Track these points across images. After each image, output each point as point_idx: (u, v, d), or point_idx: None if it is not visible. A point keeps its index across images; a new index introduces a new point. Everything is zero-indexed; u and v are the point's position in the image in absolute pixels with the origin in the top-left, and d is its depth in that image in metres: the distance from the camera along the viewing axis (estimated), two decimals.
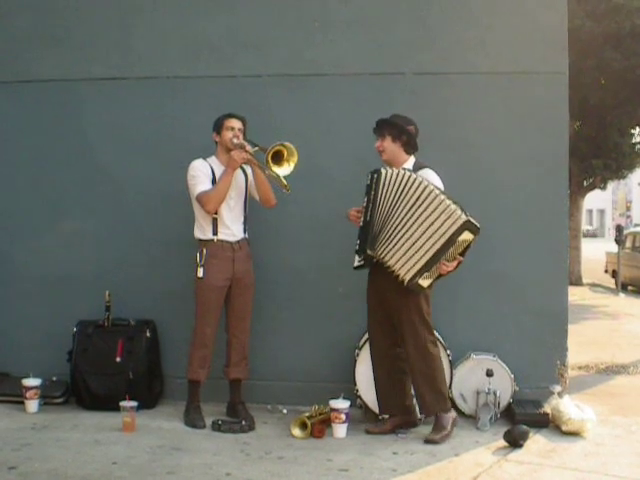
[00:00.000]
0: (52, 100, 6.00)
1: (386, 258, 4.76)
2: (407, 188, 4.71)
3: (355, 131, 5.72)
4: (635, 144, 18.26)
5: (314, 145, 5.70)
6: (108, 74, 5.93)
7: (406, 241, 4.70)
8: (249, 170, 5.34)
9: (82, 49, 5.97)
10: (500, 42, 5.65)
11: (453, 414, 4.93)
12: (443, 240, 4.62)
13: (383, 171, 4.79)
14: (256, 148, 5.19)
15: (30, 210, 6.03)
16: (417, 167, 4.93)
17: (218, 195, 5.11)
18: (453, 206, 4.61)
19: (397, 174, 4.76)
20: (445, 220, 4.61)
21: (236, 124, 5.24)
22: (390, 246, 4.74)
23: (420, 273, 4.69)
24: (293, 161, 4.96)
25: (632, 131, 18.02)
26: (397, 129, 4.93)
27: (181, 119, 5.84)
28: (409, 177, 4.72)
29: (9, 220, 6.06)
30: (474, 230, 4.63)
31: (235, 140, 5.18)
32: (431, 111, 5.62)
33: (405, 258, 4.71)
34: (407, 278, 4.72)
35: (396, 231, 4.73)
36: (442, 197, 4.64)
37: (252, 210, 5.40)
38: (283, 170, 4.96)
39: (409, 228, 4.70)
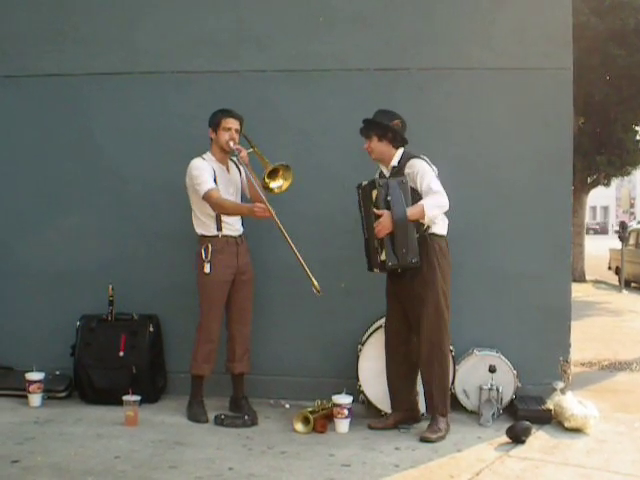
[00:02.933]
0: (55, 95, 6.00)
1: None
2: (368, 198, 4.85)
3: (358, 127, 5.69)
4: (639, 141, 18.22)
5: (317, 140, 5.71)
6: (112, 69, 5.93)
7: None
8: (243, 168, 5.33)
9: (86, 44, 5.97)
10: (505, 38, 5.64)
11: (447, 419, 4.93)
12: (370, 212, 4.80)
13: (362, 185, 4.93)
14: (251, 150, 5.19)
15: (33, 205, 6.04)
16: (405, 159, 4.93)
17: (226, 211, 5.14)
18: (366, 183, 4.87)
19: (364, 187, 4.89)
20: (366, 197, 4.84)
21: (233, 124, 5.20)
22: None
23: (378, 253, 4.78)
24: (287, 180, 4.97)
25: (636, 127, 17.97)
26: (381, 128, 4.94)
27: (184, 114, 5.83)
28: (371, 185, 4.82)
29: (13, 215, 6.06)
30: (374, 185, 4.74)
31: (231, 144, 5.14)
32: (435, 106, 5.62)
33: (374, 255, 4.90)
34: (378, 267, 4.87)
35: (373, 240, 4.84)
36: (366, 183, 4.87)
37: None
38: (275, 183, 4.96)
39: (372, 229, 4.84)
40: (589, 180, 18.51)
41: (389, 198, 4.68)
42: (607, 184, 19.29)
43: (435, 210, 4.78)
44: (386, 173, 5.00)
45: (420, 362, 4.92)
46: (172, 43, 5.90)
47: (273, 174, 4.96)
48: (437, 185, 4.80)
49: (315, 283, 4.91)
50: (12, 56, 6.06)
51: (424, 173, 4.81)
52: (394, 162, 4.95)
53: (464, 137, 5.61)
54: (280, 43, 5.81)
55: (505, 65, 5.63)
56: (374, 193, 4.74)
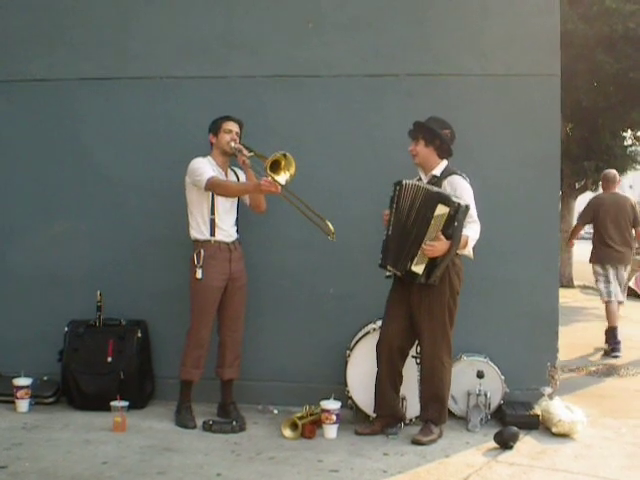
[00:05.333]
0: (45, 100, 5.98)
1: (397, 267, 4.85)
2: (417, 199, 4.76)
3: (348, 132, 5.73)
4: (627, 147, 18.30)
5: (307, 146, 5.70)
6: (102, 74, 5.92)
7: (409, 242, 4.77)
8: (242, 175, 5.35)
9: (76, 49, 5.96)
10: (494, 45, 5.66)
11: (441, 427, 4.95)
12: (422, 221, 4.69)
13: (403, 183, 4.83)
14: (251, 154, 5.19)
15: (23, 209, 6.01)
16: (446, 173, 4.93)
17: (232, 192, 5.20)
18: (429, 188, 4.72)
19: (411, 187, 4.80)
20: (422, 202, 4.71)
21: (234, 127, 5.25)
22: (402, 255, 4.80)
23: (411, 260, 4.73)
24: (290, 171, 4.88)
25: (624, 134, 18.05)
26: (431, 133, 4.92)
27: (174, 119, 5.83)
28: (420, 188, 4.77)
29: (2, 219, 6.03)
30: (446, 202, 4.63)
31: (233, 144, 5.18)
32: (425, 113, 5.58)
33: (404, 255, 4.79)
34: (401, 270, 4.78)
35: (409, 245, 4.77)
36: (429, 189, 4.73)
37: (244, 211, 5.41)
38: (279, 178, 4.88)
39: (412, 232, 4.76)
40: (577, 186, 18.56)
41: (456, 224, 4.66)
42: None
43: (473, 243, 4.87)
44: (424, 179, 4.99)
45: (421, 373, 4.96)
46: (163, 48, 5.90)
47: (275, 168, 4.85)
48: (475, 213, 4.84)
49: (330, 226, 4.92)
50: (1, 61, 6.03)
51: (467, 197, 4.83)
52: (436, 172, 4.94)
53: (453, 144, 5.63)
54: (270, 49, 5.81)
55: (493, 71, 5.65)
56: (441, 208, 4.63)
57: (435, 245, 4.66)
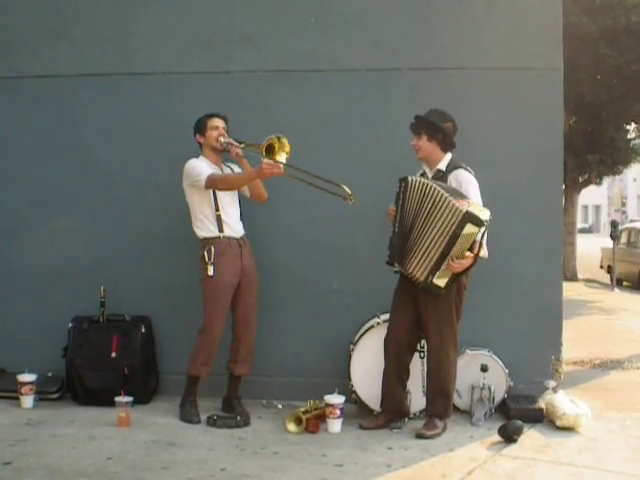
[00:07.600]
0: (48, 96, 5.98)
1: (409, 269, 4.79)
2: (425, 198, 4.70)
3: (351, 127, 5.72)
4: (630, 139, 18.28)
5: (310, 141, 5.70)
6: (104, 70, 5.91)
7: (422, 247, 4.71)
8: (236, 168, 5.33)
9: (78, 45, 5.95)
10: (496, 38, 5.65)
11: (445, 421, 4.95)
12: (448, 237, 4.61)
13: (409, 180, 4.78)
14: (242, 145, 5.18)
15: (25, 206, 6.01)
16: (452, 167, 4.90)
17: (235, 184, 5.18)
18: (455, 202, 4.58)
19: (418, 184, 4.74)
20: (449, 217, 4.59)
21: (219, 123, 5.23)
22: (413, 258, 4.76)
23: (432, 272, 4.68)
24: (285, 150, 4.85)
25: (627, 126, 18.03)
26: (433, 127, 4.88)
27: (176, 115, 5.82)
28: (428, 187, 4.70)
29: (4, 216, 6.04)
30: (477, 222, 4.56)
31: (222, 139, 5.17)
32: (428, 106, 5.58)
33: (419, 261, 4.72)
34: (421, 279, 4.73)
35: (417, 243, 4.74)
36: (446, 195, 4.62)
37: (246, 207, 5.40)
38: (279, 159, 4.83)
39: (425, 236, 4.70)
40: (581, 179, 18.55)
41: (481, 239, 4.65)
42: (599, 183, 19.35)
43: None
44: (429, 174, 4.97)
45: (427, 368, 4.96)
46: (165, 44, 5.89)
47: (270, 153, 4.83)
48: None
49: (346, 189, 4.83)
50: (4, 57, 6.03)
51: (473, 191, 4.81)
52: (441, 166, 4.91)
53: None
54: (272, 43, 5.80)
55: (496, 65, 5.64)
56: (470, 227, 4.54)
57: (463, 263, 4.65)
